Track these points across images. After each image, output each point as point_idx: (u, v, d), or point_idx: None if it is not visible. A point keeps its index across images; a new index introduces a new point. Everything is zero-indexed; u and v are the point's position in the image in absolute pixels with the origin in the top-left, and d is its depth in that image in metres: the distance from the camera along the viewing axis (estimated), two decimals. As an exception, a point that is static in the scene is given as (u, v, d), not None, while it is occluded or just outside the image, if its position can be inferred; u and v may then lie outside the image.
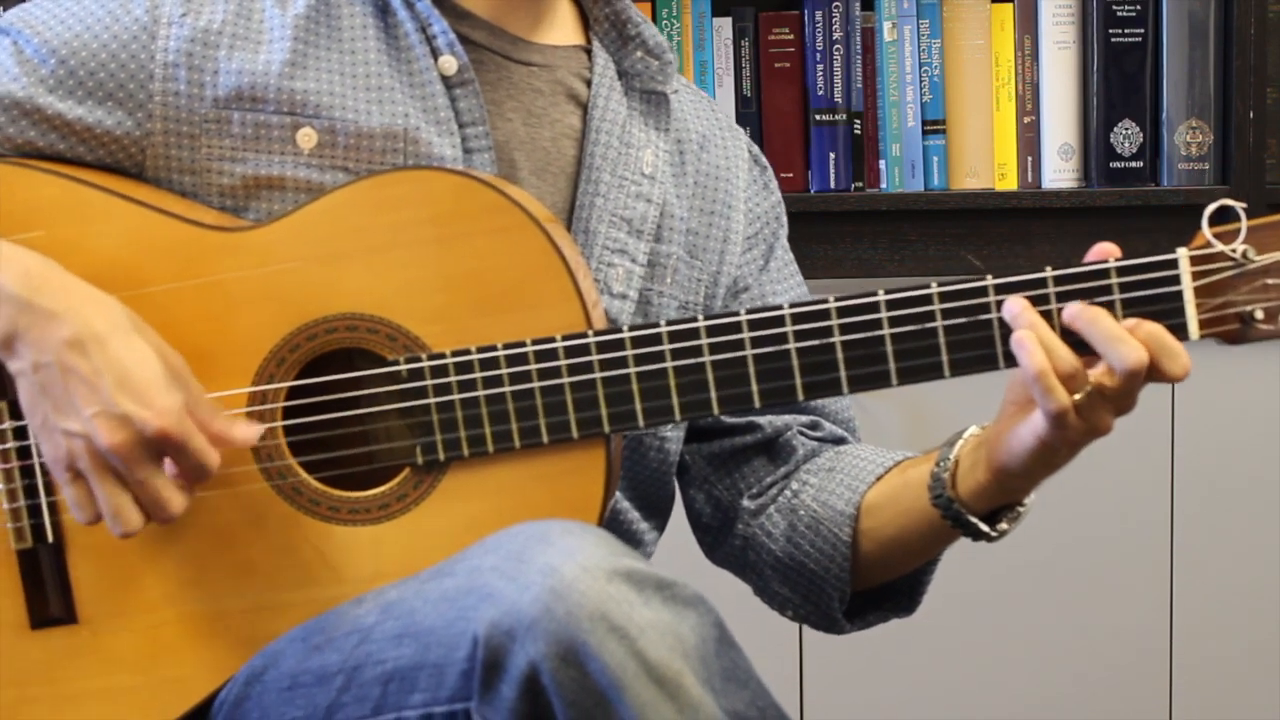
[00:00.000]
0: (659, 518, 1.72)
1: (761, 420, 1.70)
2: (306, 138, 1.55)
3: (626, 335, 1.47)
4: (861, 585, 1.66)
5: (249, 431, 1.46)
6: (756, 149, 1.78)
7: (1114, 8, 2.68)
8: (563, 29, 1.67)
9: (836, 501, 1.64)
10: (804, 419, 1.71)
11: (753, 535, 1.69)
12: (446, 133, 1.57)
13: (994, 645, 2.75)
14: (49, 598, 1.51)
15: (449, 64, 1.58)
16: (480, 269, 1.47)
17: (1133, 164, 2.70)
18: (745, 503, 1.70)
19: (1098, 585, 2.75)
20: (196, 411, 1.44)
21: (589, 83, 1.65)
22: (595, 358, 1.47)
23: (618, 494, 1.66)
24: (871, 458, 1.67)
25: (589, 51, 1.67)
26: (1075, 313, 1.42)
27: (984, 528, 1.55)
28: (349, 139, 1.55)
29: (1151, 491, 2.74)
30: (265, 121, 1.55)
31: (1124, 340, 1.41)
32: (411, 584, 1.40)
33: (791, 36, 2.71)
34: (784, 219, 1.78)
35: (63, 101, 1.54)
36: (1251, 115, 2.67)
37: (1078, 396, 1.42)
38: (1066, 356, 1.42)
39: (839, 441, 1.72)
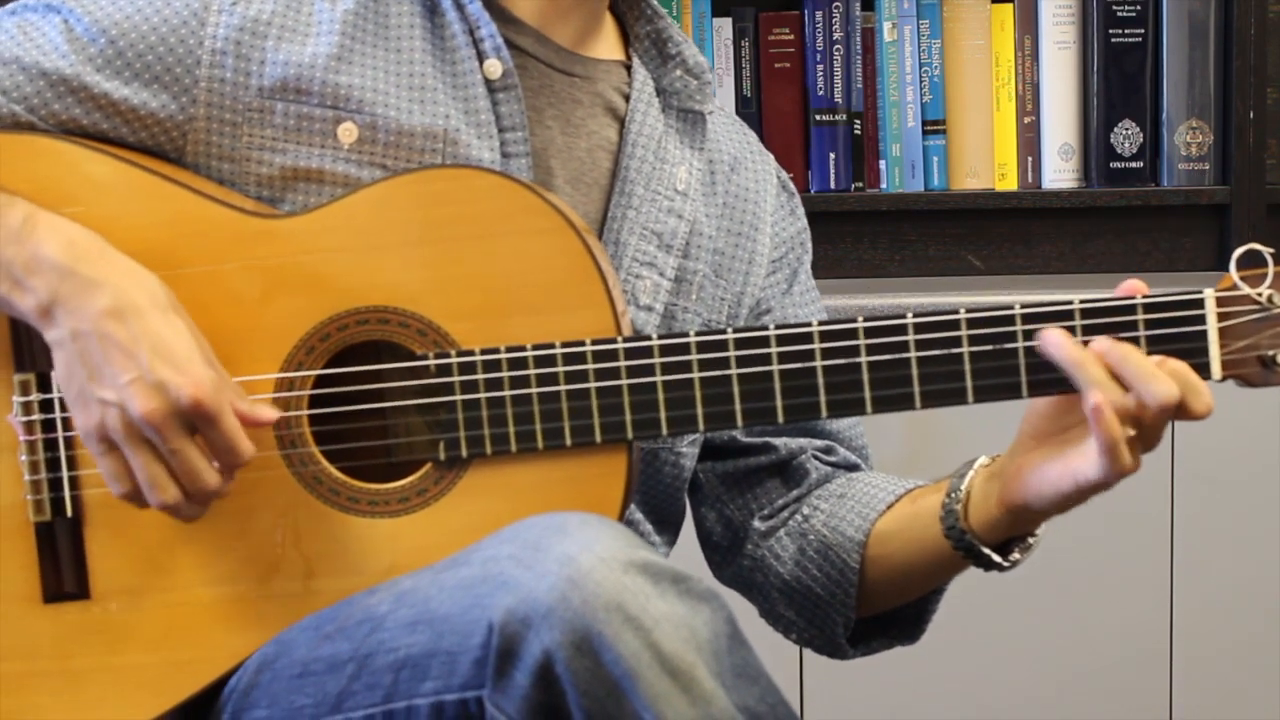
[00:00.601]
0: (671, 531, 1.73)
1: (776, 441, 1.70)
2: (347, 132, 1.55)
3: (655, 344, 1.47)
4: (867, 612, 1.67)
5: (270, 412, 1.46)
6: (785, 175, 1.80)
7: (1114, 8, 2.69)
8: (606, 43, 1.68)
9: (846, 528, 1.64)
10: (819, 443, 1.72)
11: (761, 557, 1.69)
12: (486, 136, 1.57)
13: (994, 645, 2.75)
14: (63, 572, 1.51)
15: (494, 68, 1.59)
16: (514, 269, 1.48)
17: (1133, 164, 2.71)
18: (756, 523, 1.70)
19: (1098, 585, 2.75)
20: (225, 392, 1.44)
21: (627, 98, 1.66)
22: (623, 364, 1.47)
23: (631, 505, 1.66)
24: (883, 485, 1.67)
25: (629, 67, 1.68)
26: (1106, 348, 1.43)
27: (996, 558, 1.55)
28: (389, 136, 1.55)
29: (1151, 491, 2.74)
30: (308, 114, 1.55)
31: (1157, 377, 1.41)
32: (426, 573, 1.40)
33: (791, 36, 2.71)
34: (809, 245, 1.79)
35: (109, 81, 1.54)
36: (1251, 115, 2.67)
37: (1131, 432, 1.42)
38: (1119, 391, 1.42)
39: (852, 468, 1.73)
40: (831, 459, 1.72)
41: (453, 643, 1.33)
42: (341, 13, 1.57)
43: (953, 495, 1.56)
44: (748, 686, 1.32)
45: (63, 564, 1.51)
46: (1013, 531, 1.54)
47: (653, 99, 1.67)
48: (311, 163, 1.55)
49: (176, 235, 1.50)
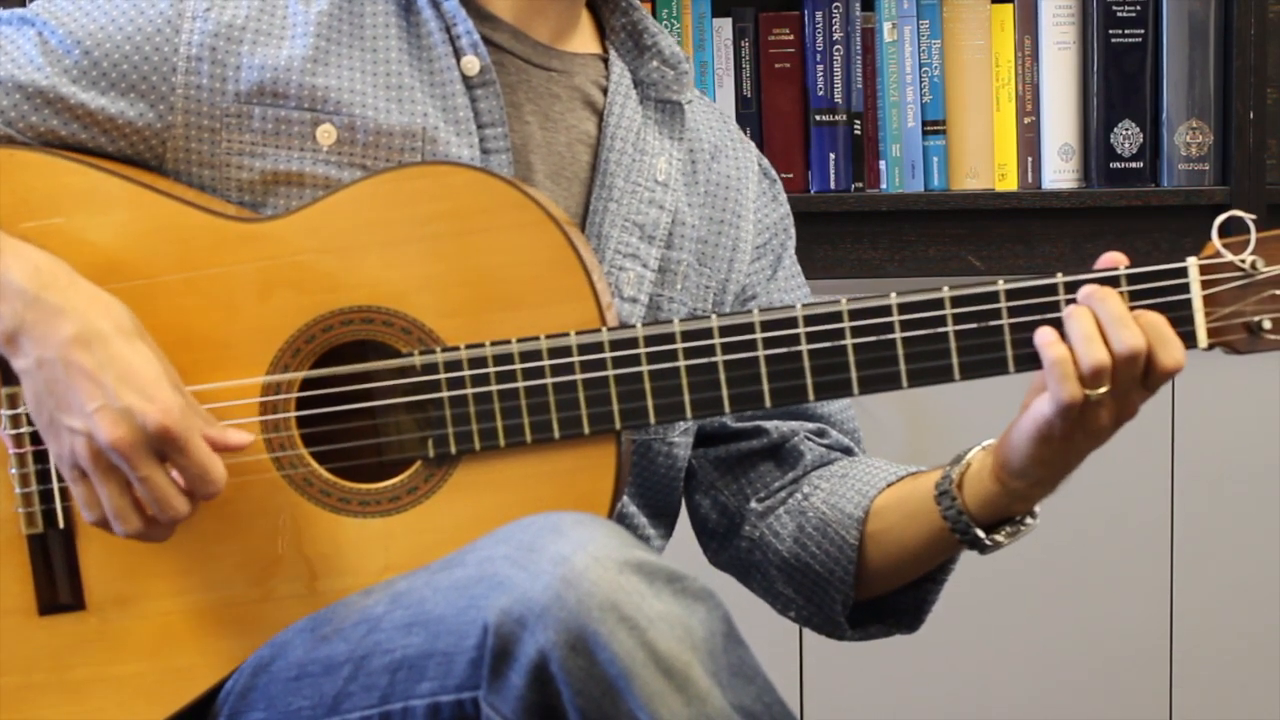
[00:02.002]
0: (666, 524, 1.73)
1: (768, 425, 1.70)
2: (326, 134, 1.56)
3: (640, 333, 1.48)
4: (866, 593, 1.66)
5: (242, 437, 1.46)
6: (767, 162, 1.80)
7: (1114, 8, 2.68)
8: (582, 37, 1.69)
9: (846, 505, 1.64)
10: (810, 425, 1.72)
11: (760, 536, 1.69)
12: (465, 133, 1.58)
13: (994, 645, 2.75)
14: (57, 584, 1.51)
15: (471, 64, 1.59)
16: (496, 264, 1.48)
17: (1133, 164, 2.70)
18: (753, 505, 1.70)
19: (1098, 585, 2.75)
20: (193, 417, 1.44)
21: (605, 91, 1.66)
22: (608, 355, 1.47)
23: (626, 499, 1.66)
24: (885, 468, 1.67)
25: (606, 60, 1.68)
26: (1088, 293, 1.44)
27: (978, 532, 1.55)
28: (368, 136, 1.55)
29: (1151, 491, 2.74)
30: (286, 117, 1.55)
31: (1126, 324, 1.43)
32: (421, 574, 1.40)
33: (791, 37, 2.71)
34: (792, 230, 1.79)
35: (85, 92, 1.54)
36: (1251, 115, 2.67)
37: (1091, 394, 1.43)
38: (1097, 354, 1.43)
39: (845, 450, 1.73)
40: (825, 441, 1.72)
41: (448, 643, 1.33)
42: (316, 14, 1.57)
43: (953, 466, 1.57)
44: (743, 685, 1.32)
45: (57, 575, 1.51)
46: (1003, 508, 1.54)
47: (630, 91, 1.67)
48: (291, 166, 1.55)
49: (158, 243, 1.50)
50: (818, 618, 1.68)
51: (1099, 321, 1.44)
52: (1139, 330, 1.43)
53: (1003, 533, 1.56)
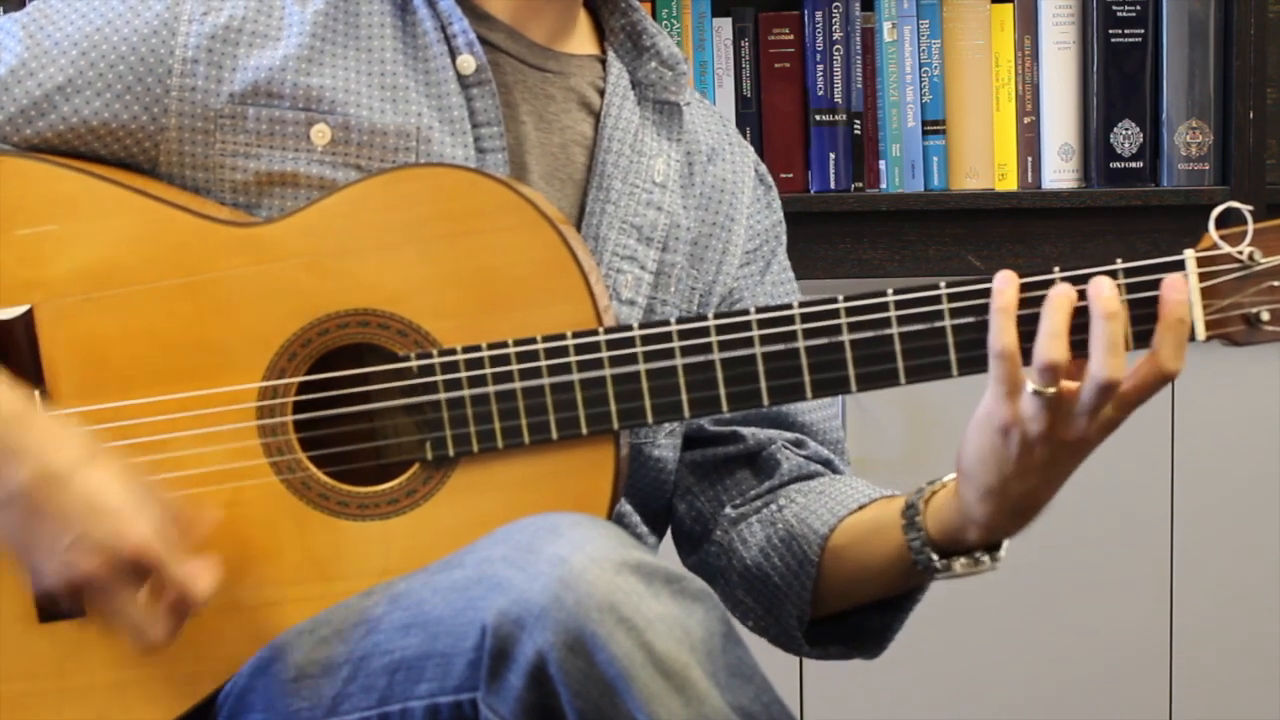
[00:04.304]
0: (659, 527, 1.73)
1: (745, 431, 1.69)
2: (320, 134, 1.55)
3: (636, 333, 1.47)
4: (824, 609, 1.64)
5: (207, 580, 1.42)
6: (763, 167, 1.79)
7: (1114, 8, 2.68)
8: (580, 38, 1.68)
9: (814, 520, 1.63)
10: (789, 435, 1.70)
11: (729, 542, 1.68)
12: (459, 133, 1.57)
13: (994, 645, 2.75)
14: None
15: (467, 63, 1.59)
16: (492, 266, 1.48)
17: (1133, 164, 2.70)
18: (727, 510, 1.69)
19: (1098, 585, 2.75)
20: (171, 527, 1.42)
21: (602, 92, 1.66)
22: (605, 355, 1.47)
23: (622, 499, 1.66)
24: (863, 488, 1.65)
25: (604, 62, 1.68)
26: (1097, 290, 1.40)
27: (931, 553, 1.52)
28: (362, 136, 1.55)
29: (1151, 491, 2.74)
30: (280, 117, 1.55)
31: (1117, 353, 1.39)
32: (420, 575, 1.40)
33: (791, 36, 2.71)
34: (783, 237, 1.79)
35: (78, 95, 1.54)
36: (1251, 115, 2.67)
37: (1042, 390, 1.40)
38: (1058, 353, 1.39)
39: (825, 462, 1.71)
40: (803, 452, 1.70)
41: (447, 645, 1.33)
42: (312, 14, 1.57)
43: (929, 485, 1.55)
44: (742, 686, 1.32)
45: None
46: (960, 534, 1.51)
47: (628, 92, 1.67)
48: (286, 166, 1.55)
49: (152, 248, 1.50)
50: (774, 629, 1.66)
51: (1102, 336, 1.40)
52: (1122, 363, 1.39)
53: (958, 563, 1.52)
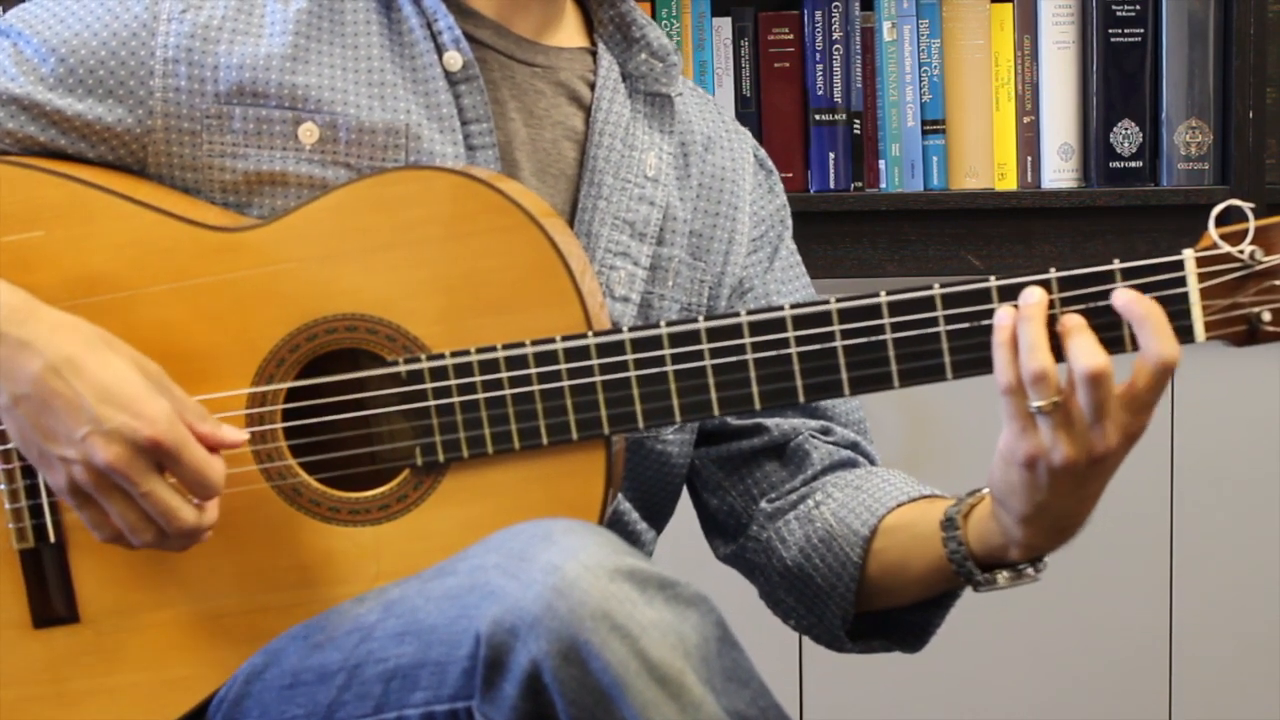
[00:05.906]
0: (659, 520, 1.72)
1: (768, 423, 1.68)
2: (308, 133, 1.55)
3: (626, 337, 1.47)
4: (867, 607, 1.64)
5: (236, 435, 1.46)
6: (763, 152, 1.78)
7: (1114, 8, 2.68)
8: (568, 31, 1.67)
9: (854, 520, 1.62)
10: (814, 423, 1.69)
11: (767, 540, 1.67)
12: (448, 129, 1.57)
13: (994, 645, 2.75)
14: (51, 597, 1.51)
15: (454, 60, 1.58)
16: (480, 269, 1.47)
17: (1132, 164, 2.70)
18: (763, 505, 1.68)
19: (1097, 584, 2.75)
20: (184, 415, 1.43)
21: (592, 85, 1.65)
22: (595, 361, 1.47)
23: (620, 495, 1.65)
24: (901, 485, 1.64)
25: (594, 54, 1.67)
26: (1126, 300, 1.40)
27: (974, 569, 1.52)
28: (350, 134, 1.55)
29: (1151, 491, 2.74)
30: (267, 116, 1.55)
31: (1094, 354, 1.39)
32: (413, 583, 1.40)
33: (791, 36, 2.71)
34: (789, 221, 1.78)
35: (63, 99, 1.54)
36: (1251, 115, 2.67)
37: (1041, 403, 1.39)
38: (1040, 362, 1.39)
39: (852, 446, 1.70)
40: (830, 439, 1.69)
41: (441, 653, 1.33)
42: (294, 12, 1.56)
43: (966, 496, 1.54)
44: (738, 690, 1.31)
45: (50, 589, 1.51)
46: (1002, 553, 1.51)
47: (618, 85, 1.66)
48: (274, 166, 1.54)
49: (139, 255, 1.50)
50: (818, 628, 1.66)
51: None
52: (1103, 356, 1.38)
53: (1001, 576, 1.53)
